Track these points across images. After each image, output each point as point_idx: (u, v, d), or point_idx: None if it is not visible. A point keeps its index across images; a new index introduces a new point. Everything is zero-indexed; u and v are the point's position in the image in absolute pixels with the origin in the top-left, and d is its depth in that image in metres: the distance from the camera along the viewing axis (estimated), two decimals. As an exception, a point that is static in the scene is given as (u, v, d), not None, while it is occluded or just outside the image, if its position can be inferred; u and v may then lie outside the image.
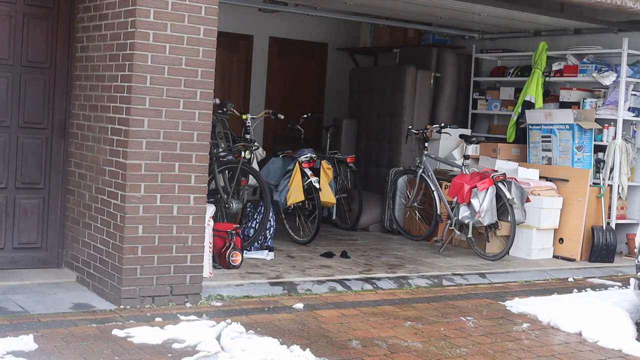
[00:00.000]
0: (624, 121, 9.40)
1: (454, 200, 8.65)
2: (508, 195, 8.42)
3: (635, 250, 6.49)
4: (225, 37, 10.06)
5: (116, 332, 5.20)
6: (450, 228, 8.89)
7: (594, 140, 9.36)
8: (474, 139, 9.67)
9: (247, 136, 8.61)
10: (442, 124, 9.92)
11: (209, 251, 6.71)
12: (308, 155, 8.74)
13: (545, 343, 5.80)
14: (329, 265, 7.71)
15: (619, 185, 9.35)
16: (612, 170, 9.32)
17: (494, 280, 7.80)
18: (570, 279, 8.18)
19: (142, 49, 5.75)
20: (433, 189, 9.37)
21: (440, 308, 6.56)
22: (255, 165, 8.60)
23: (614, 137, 9.37)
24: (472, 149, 9.84)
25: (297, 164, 8.65)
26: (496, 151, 9.85)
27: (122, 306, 5.81)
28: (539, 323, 6.31)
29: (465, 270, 7.97)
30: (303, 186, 8.62)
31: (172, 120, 5.90)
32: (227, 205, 7.84)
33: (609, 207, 9.32)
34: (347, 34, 12.38)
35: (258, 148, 8.88)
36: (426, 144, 9.68)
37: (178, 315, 5.69)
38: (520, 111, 10.07)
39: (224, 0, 7.76)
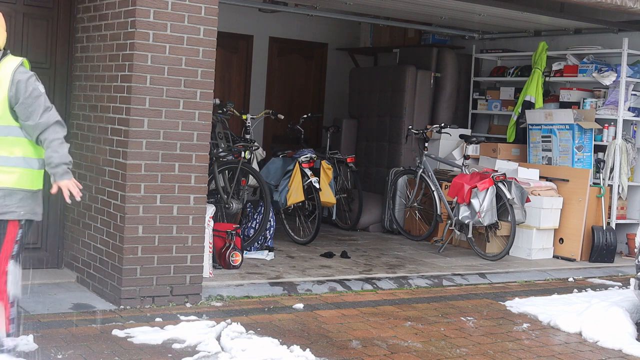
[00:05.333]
0: (624, 121, 9.40)
1: (454, 200, 8.65)
2: (508, 195, 8.42)
3: (635, 250, 6.49)
4: (225, 37, 10.06)
5: (116, 332, 5.20)
6: (450, 228, 8.89)
7: (594, 140, 9.36)
8: (474, 139, 9.67)
9: (247, 136, 8.62)
10: (442, 124, 9.92)
11: (209, 251, 6.71)
12: (308, 155, 8.73)
13: (545, 343, 5.80)
14: (329, 266, 7.71)
15: (619, 185, 9.34)
16: (612, 170, 9.32)
17: (494, 280, 7.80)
18: (571, 279, 8.18)
19: (142, 49, 5.75)
20: (433, 189, 9.36)
21: (440, 308, 6.56)
22: (255, 165, 8.60)
23: (614, 137, 9.37)
24: (472, 149, 9.84)
25: (297, 164, 8.65)
26: (496, 151, 9.84)
27: (122, 306, 5.81)
28: (539, 323, 6.31)
29: (466, 270, 7.97)
30: (303, 186, 8.62)
31: (172, 120, 5.90)
32: (227, 206, 7.84)
33: (609, 207, 9.32)
34: (347, 34, 12.38)
35: (258, 148, 8.88)
36: (426, 144, 9.68)
37: (178, 315, 5.69)
38: (520, 111, 10.07)
39: (224, 0, 7.76)
